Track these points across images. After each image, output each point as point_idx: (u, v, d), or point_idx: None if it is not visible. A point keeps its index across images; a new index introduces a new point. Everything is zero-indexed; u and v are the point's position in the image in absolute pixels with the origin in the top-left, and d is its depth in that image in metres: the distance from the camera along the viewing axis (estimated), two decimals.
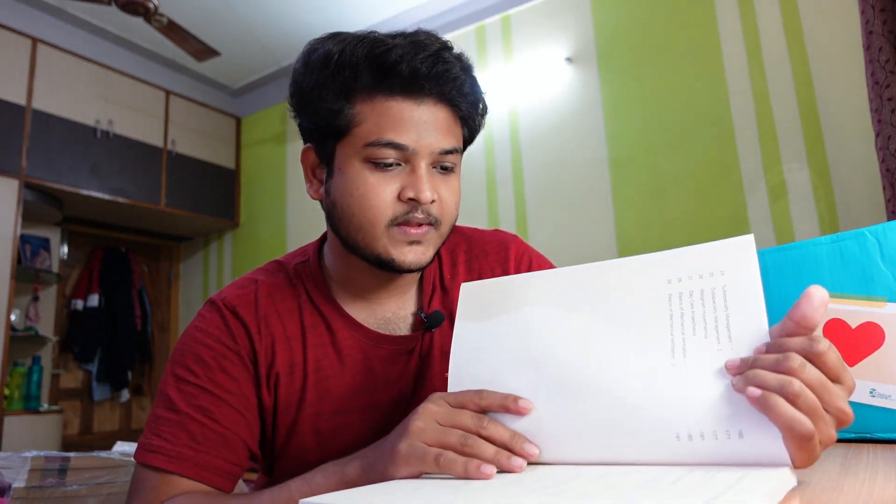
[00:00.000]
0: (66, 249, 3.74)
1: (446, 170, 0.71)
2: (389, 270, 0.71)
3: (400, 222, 0.68)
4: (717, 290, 0.47)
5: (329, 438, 0.74)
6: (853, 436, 0.63)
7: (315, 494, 0.56)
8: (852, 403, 0.63)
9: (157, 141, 3.62)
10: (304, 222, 3.70)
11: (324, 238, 0.82)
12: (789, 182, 2.27)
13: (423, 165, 0.68)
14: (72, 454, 1.22)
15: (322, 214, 0.76)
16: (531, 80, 2.95)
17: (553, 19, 2.93)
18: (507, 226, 2.93)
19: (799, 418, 0.39)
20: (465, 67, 0.71)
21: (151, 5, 2.65)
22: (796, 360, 0.41)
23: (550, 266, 0.87)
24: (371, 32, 0.70)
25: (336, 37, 0.70)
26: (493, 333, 0.57)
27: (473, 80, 0.72)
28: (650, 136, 2.61)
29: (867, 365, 0.62)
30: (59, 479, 1.18)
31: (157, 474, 0.66)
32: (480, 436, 0.50)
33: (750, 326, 0.45)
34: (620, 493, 0.37)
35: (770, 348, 0.43)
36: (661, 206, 2.54)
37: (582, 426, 0.49)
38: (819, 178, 2.21)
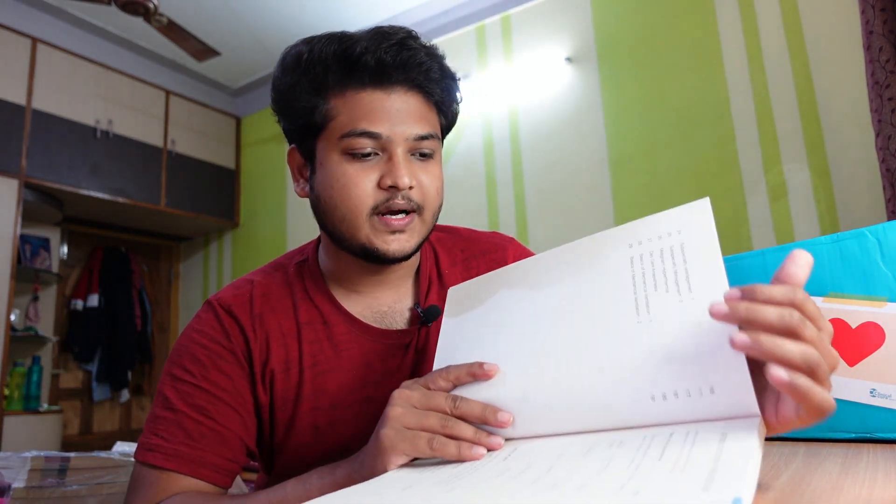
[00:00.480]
0: (65, 249, 3.74)
1: (425, 156, 0.72)
2: (375, 261, 0.72)
3: (382, 211, 0.70)
4: (675, 247, 0.48)
5: (327, 433, 0.74)
6: (853, 436, 0.63)
7: (310, 496, 0.56)
8: (852, 403, 0.63)
9: (156, 141, 3.62)
10: (304, 222, 3.70)
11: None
12: (789, 182, 2.27)
13: (399, 153, 0.69)
14: (72, 454, 1.22)
15: None
16: (531, 80, 2.95)
17: (553, 19, 2.93)
18: (507, 226, 2.93)
19: (807, 349, 0.38)
20: (430, 53, 0.72)
21: (151, 5, 2.65)
22: (795, 316, 0.39)
23: None
24: (340, 31, 0.71)
25: (307, 39, 0.72)
26: (471, 325, 0.59)
27: (441, 64, 0.73)
28: (650, 136, 2.61)
29: (867, 365, 0.62)
30: (58, 479, 1.18)
31: (155, 472, 0.67)
32: (454, 415, 0.52)
33: (709, 276, 0.45)
34: (618, 486, 0.37)
35: (748, 294, 0.40)
36: (661, 206, 2.50)
37: (558, 398, 0.49)
38: (819, 178, 2.21)
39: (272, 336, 0.74)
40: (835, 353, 0.41)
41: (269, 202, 3.93)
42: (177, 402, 0.69)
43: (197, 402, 0.69)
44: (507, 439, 0.52)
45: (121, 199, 3.38)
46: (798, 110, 2.28)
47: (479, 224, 2.97)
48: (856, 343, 0.63)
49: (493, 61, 3.10)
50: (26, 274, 3.20)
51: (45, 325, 3.39)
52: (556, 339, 0.52)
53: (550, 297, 0.54)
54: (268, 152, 3.99)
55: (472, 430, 0.51)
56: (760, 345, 0.38)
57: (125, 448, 1.46)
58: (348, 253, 0.74)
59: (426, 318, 0.78)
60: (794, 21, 2.33)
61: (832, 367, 0.40)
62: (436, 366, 0.59)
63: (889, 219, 1.66)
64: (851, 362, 0.63)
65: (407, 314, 0.80)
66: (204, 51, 3.06)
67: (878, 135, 1.64)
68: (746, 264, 0.73)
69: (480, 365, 0.53)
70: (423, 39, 0.73)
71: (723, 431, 0.40)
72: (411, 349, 0.77)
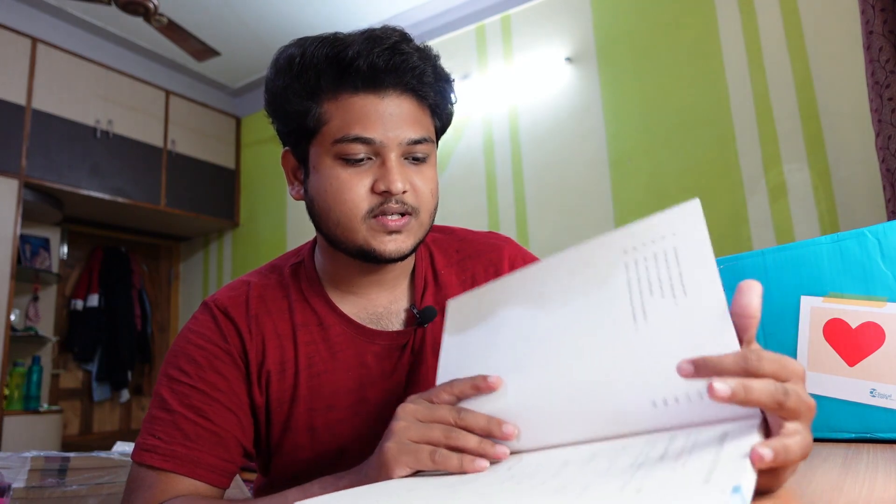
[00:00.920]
0: (65, 249, 3.73)
1: (418, 160, 0.72)
2: (372, 261, 0.72)
3: (377, 214, 0.70)
4: (668, 251, 0.48)
5: (323, 434, 0.74)
6: (853, 436, 0.63)
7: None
8: (852, 403, 0.63)
9: (156, 141, 3.62)
10: (304, 222, 3.70)
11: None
12: (789, 182, 2.27)
13: (392, 157, 0.69)
14: (72, 454, 1.22)
15: None
16: (531, 80, 2.95)
17: (553, 19, 2.93)
18: (507, 226, 2.93)
19: (772, 385, 0.37)
20: (424, 56, 0.72)
21: (151, 5, 2.65)
22: (752, 388, 0.37)
23: None
24: (333, 33, 0.71)
25: (299, 41, 0.72)
26: (474, 342, 0.59)
27: (435, 66, 0.73)
28: (650, 136, 2.61)
29: (867, 365, 0.62)
30: (58, 480, 1.18)
31: (152, 473, 0.67)
32: (458, 426, 0.51)
33: (702, 280, 0.45)
34: (621, 484, 0.37)
35: (699, 367, 0.39)
36: (661, 206, 2.50)
37: (561, 408, 0.50)
38: (819, 178, 2.21)
39: (268, 337, 0.74)
40: (808, 400, 0.39)
41: (269, 202, 3.93)
42: (173, 403, 0.69)
43: (193, 402, 0.69)
44: (511, 452, 0.52)
45: (121, 199, 3.38)
46: (798, 110, 2.28)
47: (479, 224, 2.97)
48: (856, 343, 0.63)
49: (493, 61, 3.10)
50: (26, 274, 3.19)
51: (45, 325, 3.39)
52: (558, 350, 0.52)
53: (550, 309, 0.55)
54: (268, 152, 3.99)
55: (476, 440, 0.50)
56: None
57: (125, 448, 1.46)
58: (345, 254, 0.74)
59: (422, 319, 0.78)
60: (794, 21, 2.33)
61: (806, 414, 0.38)
62: (438, 383, 0.59)
63: (889, 219, 1.66)
64: (851, 362, 0.63)
65: (403, 315, 0.80)
66: (204, 51, 3.06)
67: (878, 135, 1.64)
68: (746, 264, 0.73)
69: (484, 378, 0.53)
70: (417, 41, 0.72)
71: (723, 431, 0.40)
72: (407, 350, 0.77)
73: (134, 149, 3.49)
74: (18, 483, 1.14)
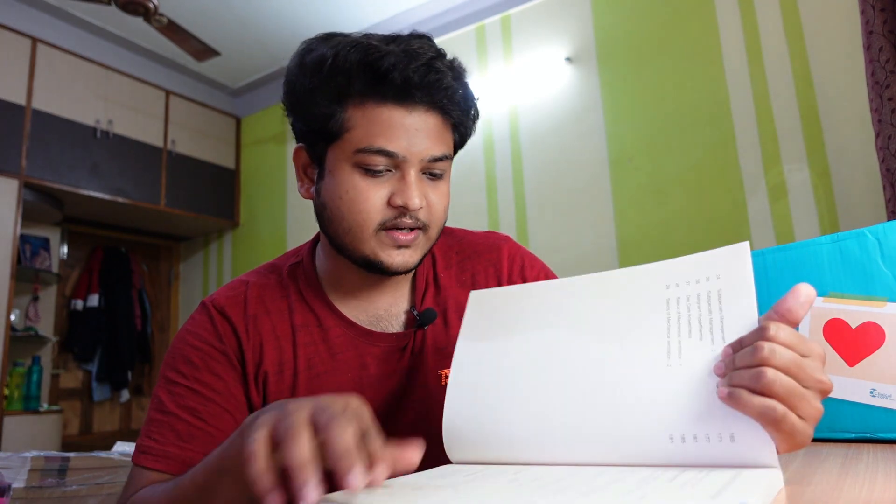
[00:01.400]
0: (65, 249, 3.73)
1: (435, 176, 0.72)
2: (376, 273, 0.72)
3: (388, 227, 0.69)
4: (712, 293, 0.49)
5: None
6: (853, 436, 0.63)
7: (207, 464, 0.54)
8: (852, 403, 0.63)
9: (156, 141, 3.62)
10: (304, 222, 3.70)
11: (317, 238, 0.83)
12: (789, 182, 2.27)
13: (412, 172, 0.69)
14: (72, 454, 1.22)
15: None
16: (531, 80, 2.95)
17: (553, 19, 2.93)
18: (507, 226, 2.93)
19: (767, 404, 0.41)
20: (457, 76, 0.71)
21: (151, 5, 2.65)
22: (765, 348, 0.42)
23: (543, 267, 0.87)
24: (365, 36, 0.70)
25: (331, 39, 0.70)
26: (491, 337, 0.59)
27: (466, 87, 0.73)
28: (650, 136, 2.61)
29: (867, 365, 0.62)
30: (58, 479, 1.18)
31: (146, 473, 0.67)
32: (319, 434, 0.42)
33: (743, 329, 0.46)
34: (625, 491, 0.37)
35: (731, 348, 0.46)
36: (661, 206, 2.54)
37: (578, 427, 0.50)
38: (819, 178, 2.21)
39: (266, 337, 0.74)
40: (826, 378, 0.43)
41: (269, 202, 3.93)
42: (169, 405, 0.69)
43: (188, 403, 0.69)
44: (515, 464, 0.51)
45: (121, 199, 3.38)
46: (798, 110, 2.28)
47: (479, 224, 2.97)
48: (856, 343, 0.63)
49: (493, 61, 3.10)
50: (26, 274, 3.19)
51: (45, 325, 3.39)
52: (585, 368, 0.52)
53: (579, 326, 0.54)
54: (268, 152, 3.99)
55: (303, 457, 0.39)
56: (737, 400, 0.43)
57: (125, 448, 1.46)
58: (349, 261, 0.73)
59: (422, 321, 0.77)
60: (794, 21, 2.33)
61: (822, 392, 0.43)
62: (450, 386, 0.58)
63: (889, 219, 1.66)
64: (851, 362, 0.63)
65: (403, 317, 0.80)
66: (204, 51, 3.06)
67: (878, 135, 1.64)
68: None
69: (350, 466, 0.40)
70: (449, 58, 0.72)
71: (738, 471, 0.41)
72: (407, 352, 0.77)
73: (134, 149, 3.49)
74: (18, 483, 1.14)
